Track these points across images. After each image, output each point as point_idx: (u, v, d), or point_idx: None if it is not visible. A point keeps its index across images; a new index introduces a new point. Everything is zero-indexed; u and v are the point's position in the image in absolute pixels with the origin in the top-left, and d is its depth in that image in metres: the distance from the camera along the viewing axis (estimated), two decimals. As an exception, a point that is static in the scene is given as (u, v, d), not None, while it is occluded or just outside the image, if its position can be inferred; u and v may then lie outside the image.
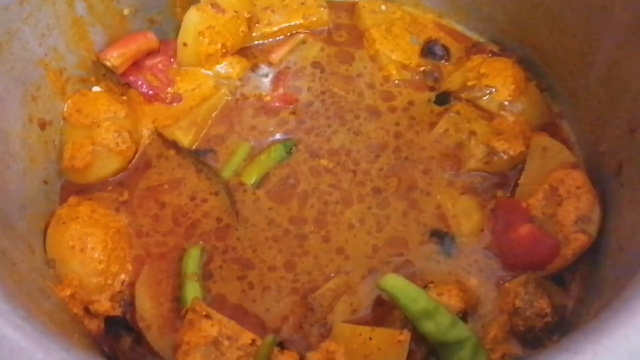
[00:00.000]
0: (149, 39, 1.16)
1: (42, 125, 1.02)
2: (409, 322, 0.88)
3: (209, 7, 1.13)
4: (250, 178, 1.05)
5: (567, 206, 0.95)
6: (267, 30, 1.23)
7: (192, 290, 0.93)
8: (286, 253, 0.99)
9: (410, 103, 1.15)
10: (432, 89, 1.17)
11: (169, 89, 1.15)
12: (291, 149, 1.09)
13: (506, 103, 1.09)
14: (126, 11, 1.14)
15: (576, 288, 0.93)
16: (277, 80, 1.19)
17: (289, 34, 1.24)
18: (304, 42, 1.22)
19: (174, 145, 1.10)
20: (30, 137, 0.99)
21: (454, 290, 0.92)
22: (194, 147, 1.10)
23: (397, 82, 1.18)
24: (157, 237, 1.01)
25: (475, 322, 0.92)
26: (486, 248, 0.99)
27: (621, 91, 0.95)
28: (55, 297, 0.88)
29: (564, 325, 0.89)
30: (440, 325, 0.85)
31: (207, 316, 0.86)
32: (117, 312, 0.94)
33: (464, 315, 0.91)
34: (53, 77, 1.04)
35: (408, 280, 0.90)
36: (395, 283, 0.88)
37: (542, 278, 0.92)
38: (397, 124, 1.13)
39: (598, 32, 0.99)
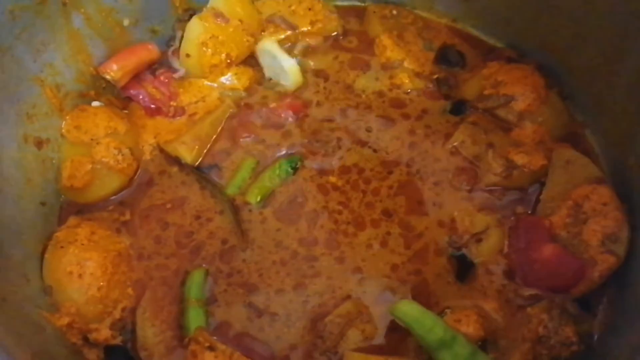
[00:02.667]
0: (150, 51, 1.11)
1: (39, 144, 0.98)
2: (424, 351, 0.83)
3: (212, 16, 1.09)
4: (255, 197, 1.00)
5: (592, 224, 0.90)
6: (274, 38, 1.18)
7: (195, 318, 0.89)
8: (295, 276, 0.94)
9: (424, 111, 1.10)
10: (446, 97, 1.11)
11: (172, 102, 1.10)
12: (297, 165, 1.04)
13: (525, 113, 1.03)
14: (126, 22, 1.10)
15: (603, 313, 0.88)
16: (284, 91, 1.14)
17: (296, 42, 1.19)
18: (312, 50, 1.17)
19: (176, 161, 1.05)
20: (25, 157, 0.95)
21: (473, 317, 0.86)
22: (197, 163, 1.05)
23: (410, 91, 1.12)
24: (159, 260, 0.96)
25: (496, 351, 0.86)
26: (506, 269, 0.93)
27: (651, 102, 0.88)
28: (50, 328, 0.84)
29: (590, 353, 0.83)
30: (459, 356, 0.81)
31: (211, 347, 0.82)
32: (118, 340, 0.90)
33: (483, 343, 0.85)
34: (50, 93, 1.00)
35: (423, 307, 0.85)
36: (409, 310, 0.83)
37: (568, 302, 0.87)
38: (412, 132, 1.07)
39: (625, 37, 0.92)
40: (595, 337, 0.86)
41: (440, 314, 0.87)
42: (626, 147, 0.95)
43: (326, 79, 1.14)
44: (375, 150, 1.06)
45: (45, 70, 0.98)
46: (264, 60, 1.13)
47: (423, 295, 0.91)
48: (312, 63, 1.16)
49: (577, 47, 1.03)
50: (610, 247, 0.88)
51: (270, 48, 1.13)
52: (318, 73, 1.14)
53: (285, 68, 1.11)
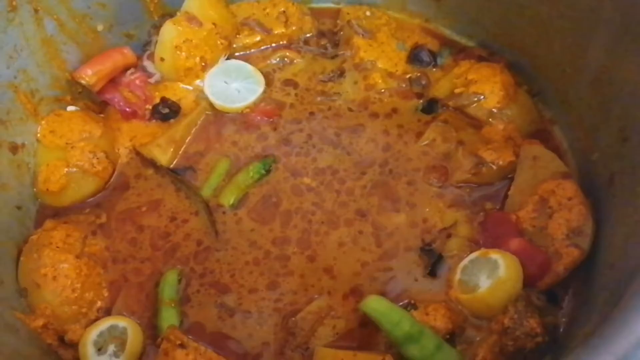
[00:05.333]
0: (125, 55, 1.13)
1: (14, 149, 0.99)
2: (394, 345, 0.85)
3: (185, 20, 1.10)
4: (229, 199, 1.02)
5: (558, 219, 0.91)
6: (249, 41, 1.19)
7: (168, 317, 0.90)
8: (269, 275, 0.96)
9: (394, 111, 1.11)
10: (419, 96, 1.13)
11: (147, 105, 1.12)
12: (270, 166, 1.05)
13: (495, 110, 1.05)
14: (100, 27, 1.11)
15: (569, 305, 0.89)
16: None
17: (272, 44, 1.20)
18: (286, 54, 1.19)
19: (152, 163, 1.07)
20: (0, 162, 0.96)
21: (441, 310, 0.88)
22: (172, 165, 1.07)
23: (382, 90, 1.14)
24: (134, 263, 0.98)
25: (464, 343, 0.87)
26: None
27: (612, 98, 0.90)
28: (24, 330, 0.85)
29: (556, 345, 0.85)
30: (425, 349, 0.82)
31: (182, 345, 0.84)
32: (93, 341, 0.91)
33: (451, 337, 0.87)
34: (24, 99, 1.01)
35: (392, 301, 0.87)
36: (377, 306, 0.85)
37: (533, 294, 0.88)
38: (385, 132, 1.09)
39: (587, 35, 0.94)
40: (561, 329, 0.88)
41: (410, 308, 0.89)
42: (590, 142, 0.97)
43: (303, 82, 1.15)
44: (348, 153, 1.07)
45: (19, 77, 1.00)
46: (212, 91, 1.12)
47: (393, 291, 0.93)
48: (287, 68, 1.18)
49: (544, 45, 1.05)
50: (574, 240, 0.89)
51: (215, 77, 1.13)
52: (294, 77, 1.16)
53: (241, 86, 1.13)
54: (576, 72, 0.99)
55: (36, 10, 0.99)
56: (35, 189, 1.02)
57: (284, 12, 1.21)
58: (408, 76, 1.15)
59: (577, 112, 1.01)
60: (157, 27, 1.15)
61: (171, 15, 1.13)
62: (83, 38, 1.09)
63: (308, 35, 1.22)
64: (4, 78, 0.97)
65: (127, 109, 1.11)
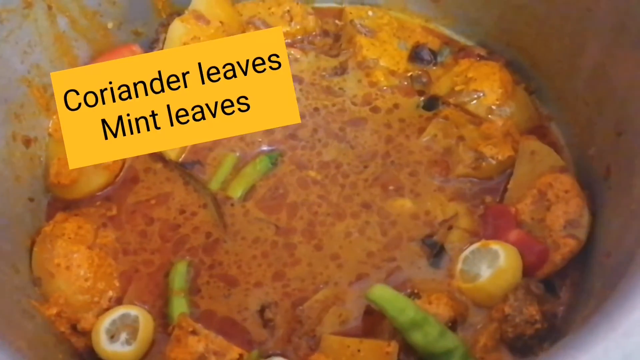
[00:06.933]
0: (134, 52, 1.15)
1: (27, 142, 1.02)
2: (398, 333, 0.87)
3: (193, 18, 1.13)
4: (236, 192, 1.05)
5: (555, 211, 0.94)
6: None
7: (179, 306, 0.93)
8: (277, 265, 0.98)
9: (396, 106, 1.14)
10: (420, 93, 1.16)
11: (156, 101, 1.14)
12: (276, 159, 1.08)
13: (494, 107, 1.09)
14: (110, 25, 1.14)
15: (567, 294, 0.93)
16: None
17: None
18: (290, 52, 1.21)
19: (161, 158, 1.09)
20: (14, 155, 0.99)
21: (443, 299, 0.91)
22: (181, 159, 1.10)
23: (385, 88, 1.17)
24: (144, 255, 1.00)
25: (466, 331, 0.90)
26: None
27: (607, 94, 0.94)
28: (40, 317, 0.88)
29: (554, 332, 0.88)
30: (429, 335, 0.85)
31: (194, 332, 0.86)
32: (105, 329, 0.93)
33: (453, 324, 0.90)
34: (37, 93, 1.04)
35: (396, 290, 0.90)
36: (383, 294, 0.87)
37: (532, 283, 0.91)
38: (388, 126, 1.12)
39: (583, 34, 0.98)
40: (559, 317, 0.91)
41: (413, 297, 0.92)
42: (587, 138, 1.01)
43: (307, 79, 1.18)
44: (352, 147, 1.10)
45: (32, 72, 1.02)
46: None
47: (397, 281, 0.96)
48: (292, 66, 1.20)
49: (541, 45, 1.09)
50: (571, 231, 0.93)
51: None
52: (299, 74, 1.19)
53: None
54: (573, 70, 1.03)
55: (50, 7, 1.02)
56: (46, 182, 1.04)
57: (288, 11, 1.24)
58: (409, 74, 1.18)
59: (573, 108, 1.04)
60: (164, 25, 1.18)
61: (179, 13, 1.16)
62: (93, 35, 1.12)
63: (312, 34, 1.25)
64: (19, 73, 1.00)
65: (136, 105, 1.13)
